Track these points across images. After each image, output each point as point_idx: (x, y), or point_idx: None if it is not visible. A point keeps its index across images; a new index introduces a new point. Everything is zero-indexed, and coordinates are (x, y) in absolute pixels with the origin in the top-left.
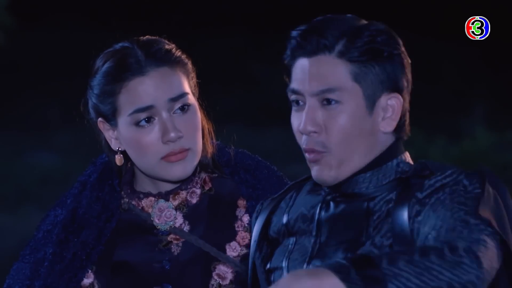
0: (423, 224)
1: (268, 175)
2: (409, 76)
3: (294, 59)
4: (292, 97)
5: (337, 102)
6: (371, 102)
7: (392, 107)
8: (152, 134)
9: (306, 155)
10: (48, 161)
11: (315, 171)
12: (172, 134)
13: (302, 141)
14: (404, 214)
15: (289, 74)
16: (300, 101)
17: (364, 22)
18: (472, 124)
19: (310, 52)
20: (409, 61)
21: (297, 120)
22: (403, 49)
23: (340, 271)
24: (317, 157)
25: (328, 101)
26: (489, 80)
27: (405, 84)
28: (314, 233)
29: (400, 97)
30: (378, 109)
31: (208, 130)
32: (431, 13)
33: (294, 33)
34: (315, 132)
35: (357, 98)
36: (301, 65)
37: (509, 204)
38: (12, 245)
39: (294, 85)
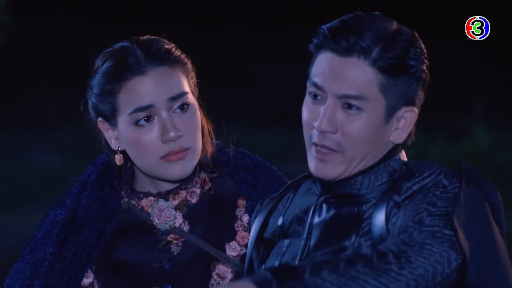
0: (393, 225)
1: (268, 174)
2: (426, 89)
3: (321, 49)
4: (311, 89)
5: (358, 108)
6: (390, 114)
7: (406, 119)
8: (151, 134)
9: (314, 148)
10: (47, 161)
11: (316, 166)
12: (172, 134)
13: (313, 134)
14: (382, 217)
15: (311, 61)
16: (318, 96)
17: (395, 26)
18: (472, 124)
19: (343, 51)
20: (429, 75)
21: (311, 113)
22: (427, 62)
23: (262, 285)
24: (326, 157)
25: (349, 106)
26: (489, 80)
27: (421, 97)
28: (304, 236)
29: (415, 110)
30: (393, 119)
31: (208, 130)
32: (431, 13)
33: (328, 25)
34: (330, 132)
35: (379, 109)
36: (330, 61)
37: (494, 201)
38: (12, 245)
39: (318, 79)
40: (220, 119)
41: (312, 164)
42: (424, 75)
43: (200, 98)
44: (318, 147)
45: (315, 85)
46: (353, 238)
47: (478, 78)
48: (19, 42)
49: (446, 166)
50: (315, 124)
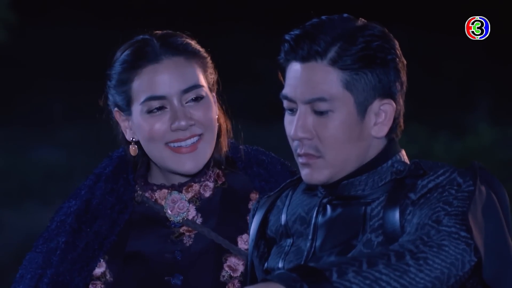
0: (409, 222)
1: (282, 170)
2: (404, 78)
3: (288, 62)
4: (285, 103)
5: (328, 110)
6: (362, 109)
7: (385, 112)
8: (161, 122)
9: (299, 159)
10: (52, 157)
11: (306, 174)
12: (183, 123)
13: (295, 146)
14: (396, 214)
15: (283, 75)
16: (293, 108)
17: (359, 24)
18: (476, 120)
19: (302, 58)
20: (404, 62)
21: (289, 125)
22: (398, 51)
23: (292, 286)
24: (310, 161)
25: (319, 109)
26: (493, 76)
27: (399, 87)
28: (310, 237)
29: (393, 102)
30: (370, 114)
31: (226, 129)
32: (435, 9)
33: (287, 36)
34: (306, 138)
35: (349, 106)
36: (294, 70)
37: (504, 199)
38: (16, 241)
39: (286, 90)
40: (233, 117)
41: (302, 173)
42: (394, 64)
43: (221, 96)
44: (302, 156)
45: (285, 97)
46: (360, 236)
47: (481, 74)
48: (22, 39)
49: (451, 162)
50: (291, 134)
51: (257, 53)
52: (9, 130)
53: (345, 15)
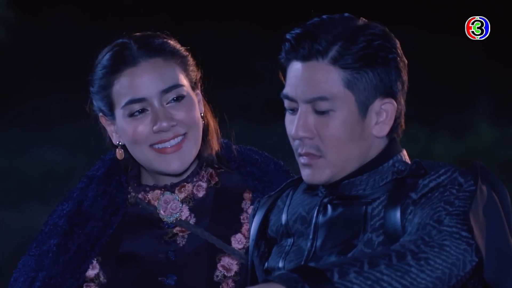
0: (410, 221)
1: (275, 168)
2: (405, 77)
3: (289, 61)
4: (286, 103)
5: (329, 109)
6: (363, 108)
7: (386, 111)
8: (143, 125)
9: (301, 159)
10: (51, 156)
11: (307, 174)
12: (164, 124)
13: (296, 145)
14: (397, 214)
15: (284, 74)
16: (294, 108)
17: (360, 23)
18: (476, 120)
19: (303, 57)
20: (405, 61)
21: (290, 125)
22: (399, 51)
23: (293, 286)
24: (311, 161)
25: (320, 109)
26: (494, 76)
27: (400, 87)
28: (310, 237)
29: (394, 102)
30: (371, 113)
31: (215, 128)
32: (435, 9)
33: (288, 36)
34: (307, 137)
35: (350, 105)
36: (295, 69)
37: (505, 199)
38: (15, 241)
39: (287, 90)
40: (225, 114)
41: (303, 173)
42: (395, 64)
43: (207, 95)
44: (303, 156)
45: (286, 97)
46: (361, 236)
47: (482, 74)
48: (21, 38)
49: (451, 162)
50: (292, 133)
51: (256, 52)
52: (7, 130)
53: (346, 14)
